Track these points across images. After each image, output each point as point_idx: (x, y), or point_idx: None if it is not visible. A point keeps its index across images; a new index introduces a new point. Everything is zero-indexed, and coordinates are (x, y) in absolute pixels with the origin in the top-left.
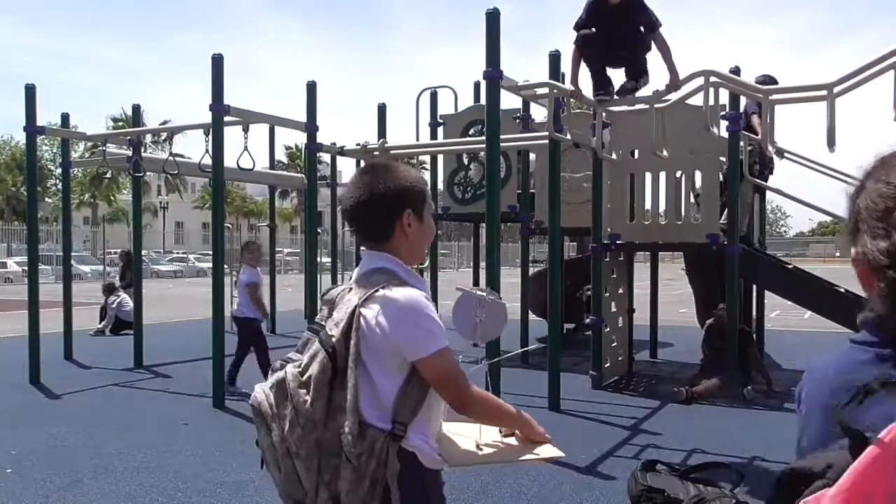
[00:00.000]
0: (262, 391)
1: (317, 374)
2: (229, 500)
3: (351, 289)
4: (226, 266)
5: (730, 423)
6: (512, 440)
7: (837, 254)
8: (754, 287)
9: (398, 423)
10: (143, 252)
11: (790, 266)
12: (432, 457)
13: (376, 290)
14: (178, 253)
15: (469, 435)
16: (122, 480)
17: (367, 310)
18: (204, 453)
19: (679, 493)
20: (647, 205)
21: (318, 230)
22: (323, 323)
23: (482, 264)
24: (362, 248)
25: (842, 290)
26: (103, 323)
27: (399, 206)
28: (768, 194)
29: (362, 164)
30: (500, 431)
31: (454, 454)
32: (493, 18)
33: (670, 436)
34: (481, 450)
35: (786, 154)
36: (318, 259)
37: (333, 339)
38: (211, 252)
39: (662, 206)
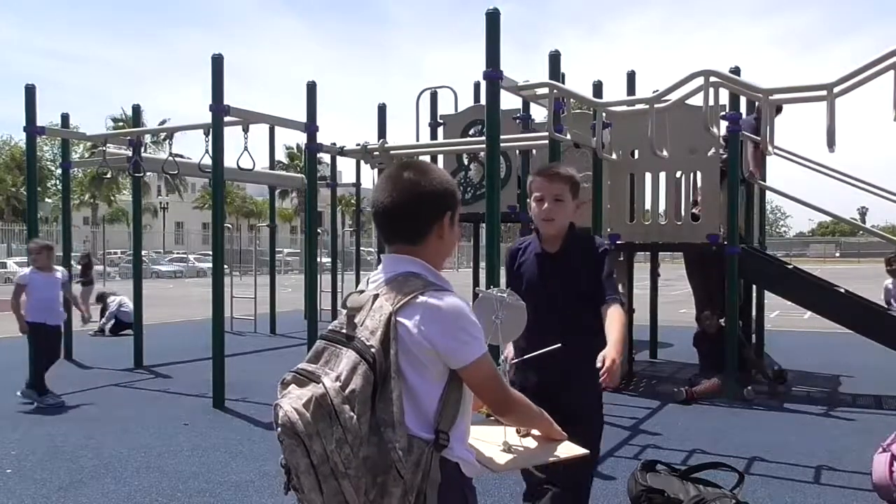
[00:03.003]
0: (293, 409)
1: (360, 387)
2: (229, 500)
3: (378, 295)
4: (226, 266)
5: (730, 423)
6: (530, 440)
7: (837, 254)
8: (754, 287)
9: (441, 432)
10: (143, 252)
11: (790, 266)
12: (473, 465)
13: (414, 297)
14: (178, 253)
15: (489, 438)
16: (122, 480)
17: (407, 317)
18: (204, 453)
19: (679, 493)
20: (647, 205)
21: (318, 230)
22: (343, 331)
23: (482, 264)
24: (387, 249)
25: (842, 290)
26: (102, 320)
27: (441, 208)
28: (768, 194)
29: (362, 164)
30: (518, 432)
31: (489, 460)
32: (493, 18)
33: (670, 436)
34: (512, 453)
35: (784, 154)
36: (318, 259)
37: (373, 350)
38: (211, 252)
39: (662, 207)
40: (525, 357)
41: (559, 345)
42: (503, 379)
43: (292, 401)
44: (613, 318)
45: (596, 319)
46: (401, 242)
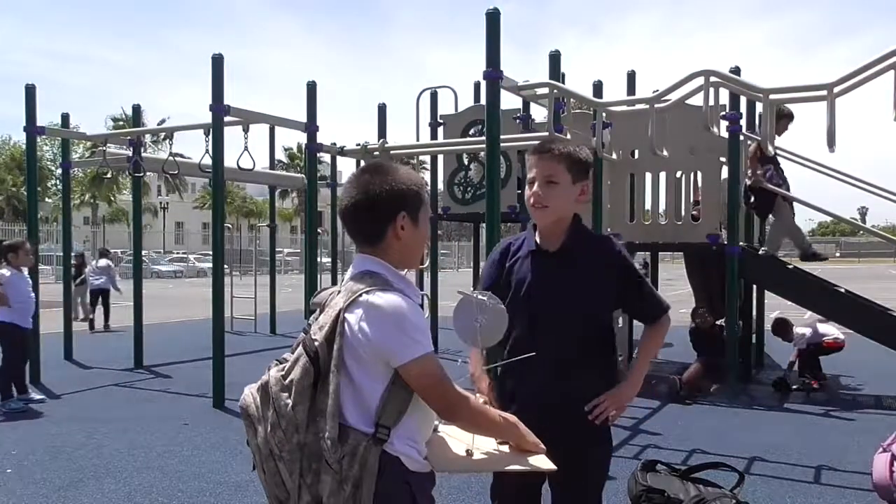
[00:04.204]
0: (249, 393)
1: (298, 378)
2: (229, 500)
3: (339, 292)
4: (226, 266)
5: (730, 423)
6: (506, 448)
7: (837, 254)
8: (754, 287)
9: (381, 427)
10: (144, 252)
11: (790, 266)
12: (417, 461)
13: (360, 295)
14: (178, 253)
15: (464, 439)
16: (122, 480)
17: (351, 314)
18: (204, 453)
19: (679, 493)
20: (648, 205)
21: (318, 230)
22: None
23: (482, 264)
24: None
25: (842, 290)
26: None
27: (393, 209)
28: None
29: (362, 164)
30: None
31: (441, 458)
32: (493, 18)
33: (670, 436)
34: (472, 456)
35: (785, 154)
36: (318, 259)
37: (316, 344)
38: (211, 252)
39: (662, 207)
40: (498, 363)
41: (532, 353)
42: (448, 382)
43: (252, 386)
44: (649, 337)
45: (606, 347)
46: (361, 243)
